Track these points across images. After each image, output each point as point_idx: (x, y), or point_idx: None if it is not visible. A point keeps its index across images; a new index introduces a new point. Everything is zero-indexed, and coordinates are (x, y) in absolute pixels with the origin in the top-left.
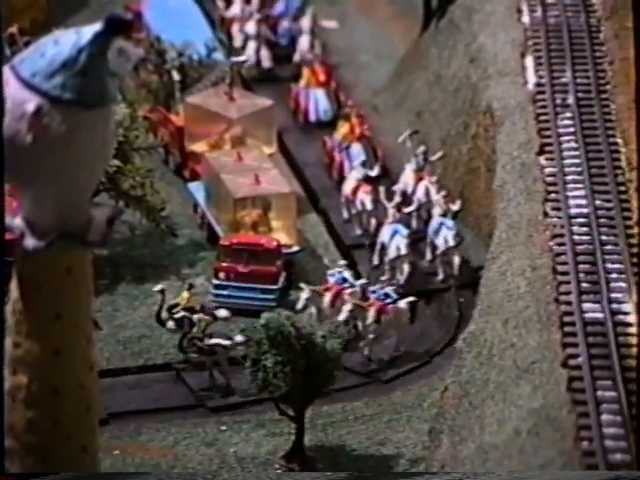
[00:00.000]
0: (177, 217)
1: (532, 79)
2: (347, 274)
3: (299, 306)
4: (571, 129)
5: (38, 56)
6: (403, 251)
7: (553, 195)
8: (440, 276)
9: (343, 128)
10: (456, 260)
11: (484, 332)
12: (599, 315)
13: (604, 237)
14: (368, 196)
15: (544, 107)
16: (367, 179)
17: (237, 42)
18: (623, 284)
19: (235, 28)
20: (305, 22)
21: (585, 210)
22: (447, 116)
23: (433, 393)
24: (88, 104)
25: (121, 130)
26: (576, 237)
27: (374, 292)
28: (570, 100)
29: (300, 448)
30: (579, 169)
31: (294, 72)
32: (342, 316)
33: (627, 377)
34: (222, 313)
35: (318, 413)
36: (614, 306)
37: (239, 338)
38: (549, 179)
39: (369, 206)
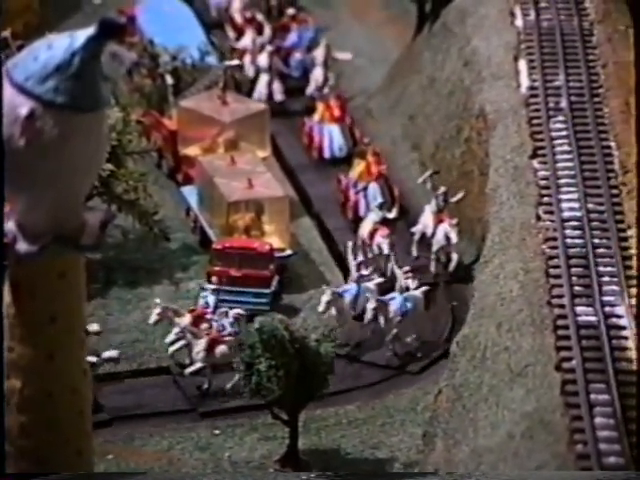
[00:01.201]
0: (170, 221)
1: (525, 82)
2: (211, 299)
3: (150, 321)
4: (564, 132)
5: (31, 60)
6: (332, 313)
7: (546, 198)
8: (387, 353)
9: (359, 167)
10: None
11: (477, 335)
12: (592, 318)
13: (597, 240)
14: (386, 240)
15: (537, 110)
16: (384, 221)
17: (249, 74)
18: (616, 287)
19: (246, 60)
20: (318, 54)
21: (578, 213)
22: (440, 120)
23: (427, 396)
24: (81, 108)
25: (114, 134)
26: (569, 240)
27: (216, 322)
28: (563, 103)
29: (294, 452)
30: (572, 172)
31: (307, 105)
32: (170, 337)
33: (620, 380)
34: (93, 327)
35: (312, 417)
36: (607, 309)
37: (107, 354)
38: (542, 182)
39: (386, 250)
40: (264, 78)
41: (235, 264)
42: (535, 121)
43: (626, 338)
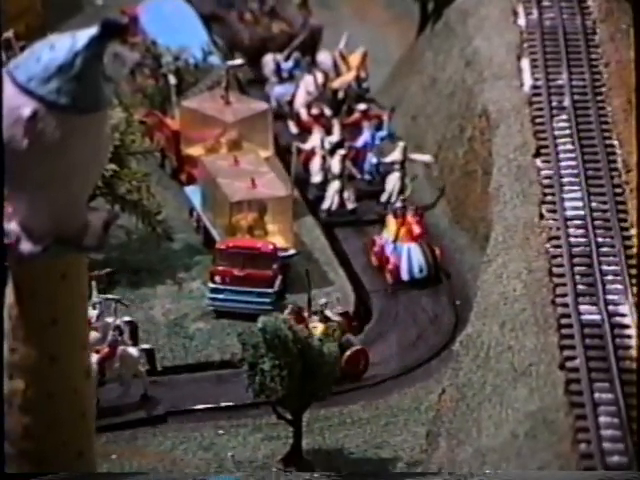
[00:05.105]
0: (173, 221)
1: (528, 81)
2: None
3: None
4: (567, 131)
5: (34, 61)
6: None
7: (549, 197)
8: None
9: None
10: None
11: (481, 335)
12: (596, 317)
13: (600, 239)
14: None
15: (540, 109)
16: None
17: (316, 179)
18: (619, 286)
19: (315, 163)
20: (395, 157)
21: (581, 212)
22: (442, 119)
23: (430, 396)
24: (83, 109)
25: (117, 134)
26: (572, 239)
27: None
28: (566, 102)
29: (298, 452)
30: (575, 171)
31: (380, 213)
32: None
33: (624, 379)
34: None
35: (315, 417)
36: (611, 308)
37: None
38: (545, 181)
39: None
40: (335, 185)
41: (238, 264)
42: (538, 120)
43: (630, 337)
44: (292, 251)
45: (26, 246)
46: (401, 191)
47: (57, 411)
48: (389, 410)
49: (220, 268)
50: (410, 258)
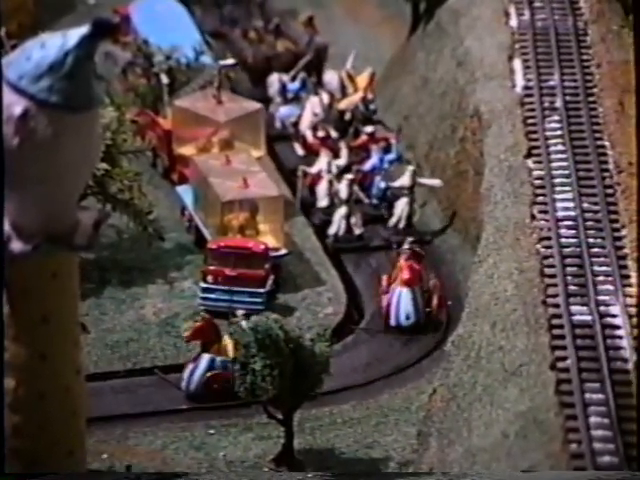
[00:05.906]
0: (165, 220)
1: (520, 82)
2: None
3: None
4: (559, 132)
5: (25, 59)
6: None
7: (540, 198)
8: None
9: None
10: None
11: (472, 335)
12: (587, 317)
13: (591, 240)
14: None
15: (532, 110)
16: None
17: (322, 203)
18: (610, 286)
19: (321, 187)
20: (404, 182)
21: (572, 213)
22: (434, 120)
23: (421, 396)
24: (75, 108)
25: (109, 133)
26: (563, 240)
27: None
28: (558, 103)
29: (289, 451)
30: (567, 172)
31: (388, 239)
32: None
33: (615, 379)
34: None
35: (306, 416)
36: (602, 308)
37: None
38: (537, 182)
39: None
40: (342, 210)
41: (230, 264)
42: (530, 121)
43: (621, 337)
44: (284, 251)
45: (16, 245)
46: (409, 217)
47: (48, 410)
48: (380, 410)
49: (212, 268)
50: (399, 303)
